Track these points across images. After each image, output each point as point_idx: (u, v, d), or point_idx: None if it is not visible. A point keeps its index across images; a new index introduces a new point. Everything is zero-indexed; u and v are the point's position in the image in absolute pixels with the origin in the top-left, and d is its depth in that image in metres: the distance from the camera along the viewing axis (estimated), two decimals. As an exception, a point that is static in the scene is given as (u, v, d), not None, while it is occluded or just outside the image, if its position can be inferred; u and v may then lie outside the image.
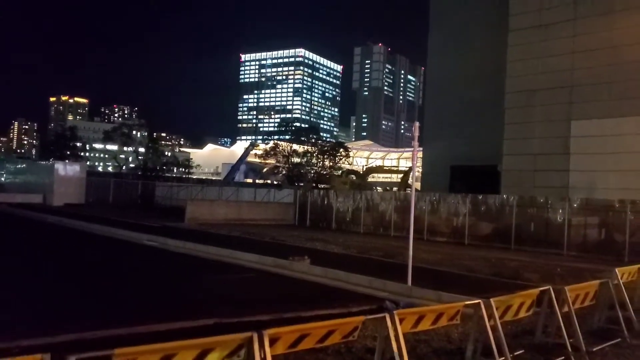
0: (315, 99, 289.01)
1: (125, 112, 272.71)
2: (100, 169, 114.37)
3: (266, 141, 75.20)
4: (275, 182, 65.35)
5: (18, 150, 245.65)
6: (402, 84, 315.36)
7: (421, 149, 71.50)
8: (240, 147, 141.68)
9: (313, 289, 10.72)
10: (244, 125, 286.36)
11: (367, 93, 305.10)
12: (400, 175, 68.82)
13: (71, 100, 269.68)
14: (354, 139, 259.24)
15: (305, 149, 62.32)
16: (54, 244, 16.70)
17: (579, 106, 25.75)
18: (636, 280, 8.79)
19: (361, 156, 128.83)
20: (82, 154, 62.79)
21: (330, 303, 9.04)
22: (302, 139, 66.09)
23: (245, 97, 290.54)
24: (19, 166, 46.68)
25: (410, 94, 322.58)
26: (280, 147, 61.49)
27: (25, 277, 10.57)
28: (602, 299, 7.12)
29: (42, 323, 6.92)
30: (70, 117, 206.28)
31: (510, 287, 10.74)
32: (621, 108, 24.33)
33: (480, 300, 5.28)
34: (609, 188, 23.54)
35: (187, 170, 62.47)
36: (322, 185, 60.70)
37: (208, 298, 9.43)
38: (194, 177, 69.28)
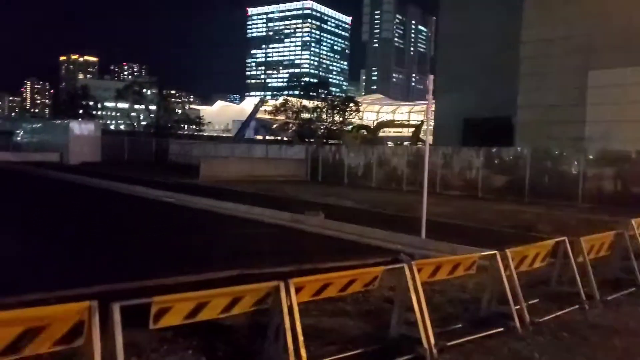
0: (324, 53, 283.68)
1: (135, 70, 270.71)
2: (112, 127, 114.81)
3: (276, 97, 74.46)
4: (285, 139, 65.33)
5: (31, 110, 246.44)
6: (413, 35, 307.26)
7: (434, 101, 70.67)
8: (249, 103, 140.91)
9: (329, 242, 10.96)
10: (253, 81, 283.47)
11: (377, 45, 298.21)
12: (412, 129, 68.39)
13: (81, 59, 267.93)
14: (364, 93, 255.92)
15: (315, 104, 61.80)
16: (80, 201, 17.09)
17: (596, 55, 25.10)
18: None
19: (371, 110, 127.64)
20: (94, 112, 62.87)
21: (347, 255, 9.26)
22: (312, 94, 65.46)
23: (253, 52, 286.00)
24: (35, 125, 47.05)
25: (422, 46, 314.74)
26: (290, 103, 61.04)
27: (60, 233, 10.92)
28: (618, 249, 7.23)
29: (74, 276, 7.23)
30: (81, 76, 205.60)
31: (525, 239, 10.83)
32: (638, 57, 23.69)
33: (496, 251, 5.41)
34: (626, 139, 23.25)
35: (198, 128, 62.51)
36: (333, 141, 60.67)
37: (230, 251, 9.72)
38: (205, 134, 69.44)
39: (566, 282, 6.82)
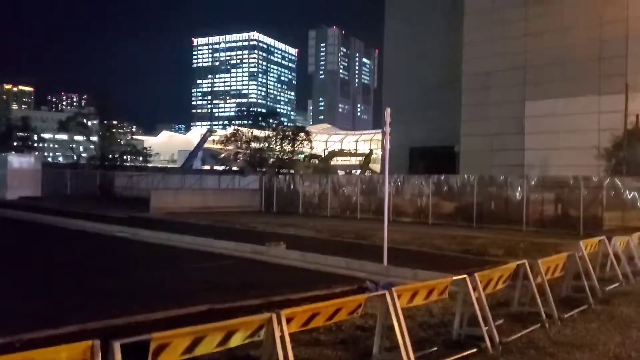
0: (271, 83, 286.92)
1: (74, 100, 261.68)
2: (50, 159, 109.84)
3: (226, 127, 74.22)
4: (235, 168, 64.75)
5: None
6: (357, 67, 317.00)
7: (380, 131, 72.41)
8: (196, 133, 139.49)
9: (293, 272, 11.02)
10: (199, 111, 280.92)
11: (323, 76, 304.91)
12: (361, 159, 69.85)
13: (15, 89, 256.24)
14: (311, 123, 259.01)
15: (266, 134, 61.99)
16: (23, 239, 16.21)
17: (533, 87, 26.97)
18: (597, 251, 9.57)
19: (320, 140, 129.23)
20: (32, 144, 60.20)
21: (314, 285, 9.35)
22: (262, 123, 65.61)
23: (199, 82, 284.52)
24: (-35, 159, 44.34)
25: (366, 77, 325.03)
26: (240, 133, 60.91)
27: (10, 276, 10.36)
28: (570, 269, 7.78)
29: (42, 317, 6.93)
30: (15, 107, 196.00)
31: (479, 263, 11.40)
32: (571, 88, 25.67)
33: (466, 275, 5.73)
34: (562, 165, 24.91)
35: (145, 159, 60.98)
36: (284, 170, 60.84)
37: (195, 285, 9.58)
38: (150, 165, 67.89)
39: (526, 302, 7.25)
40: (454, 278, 5.65)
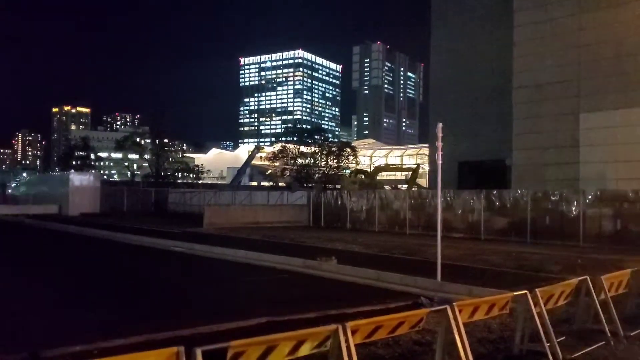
0: (316, 100, 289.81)
1: (128, 119, 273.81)
2: (105, 177, 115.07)
3: (273, 143, 75.73)
4: (282, 184, 65.77)
5: (22, 162, 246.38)
6: (402, 82, 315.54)
7: (426, 145, 71.71)
8: (243, 150, 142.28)
9: (345, 287, 11.11)
10: (246, 128, 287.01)
11: (367, 92, 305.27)
12: (407, 174, 69.03)
13: (74, 110, 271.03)
14: (355, 138, 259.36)
15: (312, 150, 62.81)
16: (86, 254, 17.13)
17: (587, 99, 26.12)
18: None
19: (364, 155, 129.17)
20: (92, 163, 63.52)
21: (367, 300, 9.41)
22: (307, 140, 66.63)
23: (246, 100, 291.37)
24: (32, 177, 47.27)
25: (411, 91, 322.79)
26: (287, 149, 62.04)
27: (80, 287, 11.02)
28: (634, 286, 7.52)
29: (113, 327, 7.36)
30: (73, 127, 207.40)
31: (535, 280, 11.12)
32: (628, 99, 24.69)
33: (526, 291, 5.70)
34: (620, 178, 23.89)
35: (196, 176, 63.08)
36: (330, 185, 61.24)
37: (251, 299, 9.86)
38: (201, 182, 70.00)
39: (588, 319, 7.07)
40: (515, 293, 5.63)
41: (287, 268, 13.24)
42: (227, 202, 39.14)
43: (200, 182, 67.25)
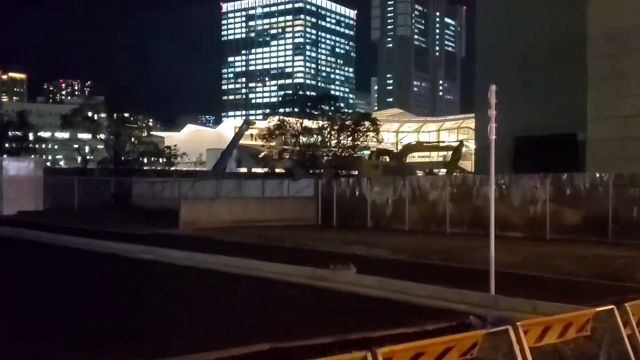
0: (323, 58, 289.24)
1: (76, 88, 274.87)
2: (49, 163, 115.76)
3: (267, 117, 75.61)
4: (280, 170, 65.86)
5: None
6: (437, 32, 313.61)
7: (471, 115, 71.38)
8: (228, 126, 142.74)
9: (368, 303, 11.21)
10: (231, 97, 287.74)
11: (391, 45, 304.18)
12: (445, 154, 69.06)
13: (4, 77, 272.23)
14: (376, 108, 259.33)
15: (320, 124, 62.74)
16: (23, 266, 17.18)
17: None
18: None
19: (389, 130, 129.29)
20: (30, 145, 63.72)
21: (397, 320, 9.50)
22: (313, 111, 66.56)
23: (230, 59, 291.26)
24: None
25: (450, 44, 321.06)
26: (286, 124, 62.04)
27: (10, 316, 11.15)
28: None
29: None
30: (4, 98, 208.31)
31: (621, 291, 11.17)
32: None
33: (614, 306, 5.74)
34: None
35: (168, 161, 63.30)
36: (344, 171, 61.26)
37: (248, 319, 10.00)
38: (174, 169, 70.28)
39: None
40: (598, 309, 5.68)
41: (292, 280, 13.35)
42: (210, 194, 39.21)
43: (173, 168, 67.51)
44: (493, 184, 11.45)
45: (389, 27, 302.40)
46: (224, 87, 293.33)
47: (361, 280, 12.72)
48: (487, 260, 10.89)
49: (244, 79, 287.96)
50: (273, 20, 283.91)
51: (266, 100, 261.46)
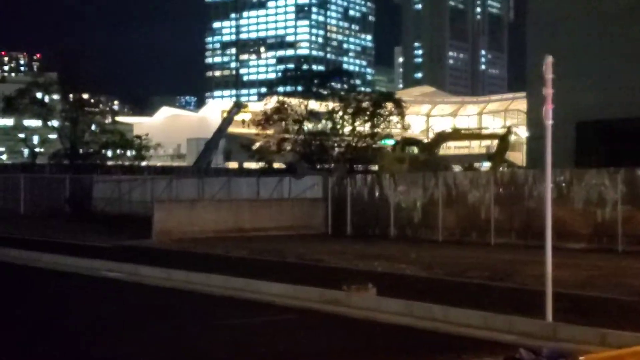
0: (334, 22, 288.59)
1: (21, 62, 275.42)
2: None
3: (264, 98, 75.38)
4: (279, 165, 65.81)
5: None
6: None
7: (522, 95, 71.18)
8: (214, 110, 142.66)
9: (392, 334, 11.21)
10: (217, 73, 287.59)
11: (420, 6, 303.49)
12: (490, 143, 68.85)
13: None
14: (401, 86, 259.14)
15: (330, 107, 62.64)
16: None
17: None
18: None
19: (417, 113, 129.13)
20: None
21: (432, 355, 9.55)
22: (322, 90, 66.46)
23: (215, 26, 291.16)
24: None
25: (494, 4, 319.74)
26: (287, 107, 61.97)
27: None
28: None
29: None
30: None
31: None
32: None
33: None
34: None
35: (138, 154, 63.28)
36: (360, 166, 61.17)
37: (239, 355, 10.00)
38: (146, 164, 70.29)
39: None
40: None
41: (294, 303, 13.39)
42: (191, 196, 39.37)
43: (145, 163, 67.54)
44: (550, 181, 11.40)
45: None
46: (209, 60, 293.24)
47: (383, 305, 12.75)
48: (543, 279, 10.86)
49: (233, 50, 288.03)
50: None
51: (262, 77, 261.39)
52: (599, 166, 24.87)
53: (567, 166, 28.19)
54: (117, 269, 17.91)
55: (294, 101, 63.55)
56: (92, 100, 65.81)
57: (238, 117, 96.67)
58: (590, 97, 35.26)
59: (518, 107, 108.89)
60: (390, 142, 63.89)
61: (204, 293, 15.00)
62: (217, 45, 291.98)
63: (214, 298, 14.52)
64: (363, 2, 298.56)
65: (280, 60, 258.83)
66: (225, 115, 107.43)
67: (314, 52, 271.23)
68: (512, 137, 65.59)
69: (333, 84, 68.52)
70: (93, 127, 62.59)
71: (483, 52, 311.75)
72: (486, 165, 65.14)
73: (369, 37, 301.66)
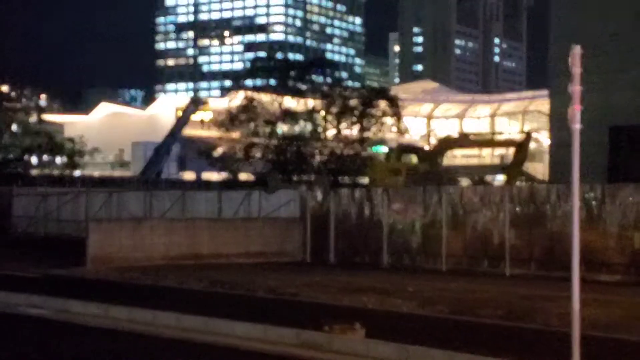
0: (315, 2, 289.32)
1: None
2: None
3: (228, 93, 75.23)
4: (246, 177, 65.76)
5: None
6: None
7: (544, 92, 71.54)
8: (166, 106, 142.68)
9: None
10: (170, 62, 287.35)
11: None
12: (504, 152, 68.99)
13: None
14: (397, 80, 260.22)
15: (309, 105, 62.73)
16: None
17: None
18: None
19: (417, 114, 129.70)
20: None
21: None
22: (298, 84, 66.56)
23: (168, 3, 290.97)
24: None
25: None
26: (257, 104, 62.05)
27: None
28: None
29: None
30: None
31: None
32: None
33: None
34: None
35: (71, 161, 63.13)
36: (346, 179, 61.17)
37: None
38: (80, 174, 70.01)
39: None
40: None
41: (264, 348, 13.36)
42: (136, 213, 39.28)
43: (78, 172, 67.22)
44: (577, 198, 11.44)
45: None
46: (160, 46, 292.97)
47: (372, 349, 12.74)
48: (568, 319, 10.89)
49: (190, 34, 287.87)
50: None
51: (226, 66, 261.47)
52: (638, 180, 24.98)
53: (599, 180, 28.37)
54: (41, 304, 17.72)
55: (265, 97, 63.60)
56: (12, 94, 65.64)
57: (196, 117, 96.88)
58: (627, 96, 35.63)
59: (539, 107, 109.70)
60: (383, 150, 64.11)
61: (151, 335, 14.83)
62: (171, 28, 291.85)
63: (163, 341, 14.39)
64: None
65: (249, 47, 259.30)
66: (179, 114, 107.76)
67: (291, 38, 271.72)
68: (532, 145, 65.95)
69: (314, 77, 68.63)
70: (14, 128, 62.35)
71: (497, 40, 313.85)
72: (500, 178, 65.44)
73: (357, 21, 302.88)
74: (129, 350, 14.13)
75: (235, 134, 64.28)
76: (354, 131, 62.82)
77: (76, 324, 16.21)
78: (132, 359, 13.62)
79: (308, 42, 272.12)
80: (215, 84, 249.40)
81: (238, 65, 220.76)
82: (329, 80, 69.19)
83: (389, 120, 63.28)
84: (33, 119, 67.89)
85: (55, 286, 21.26)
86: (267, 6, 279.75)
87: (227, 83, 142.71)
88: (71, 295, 18.39)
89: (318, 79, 67.75)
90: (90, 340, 14.97)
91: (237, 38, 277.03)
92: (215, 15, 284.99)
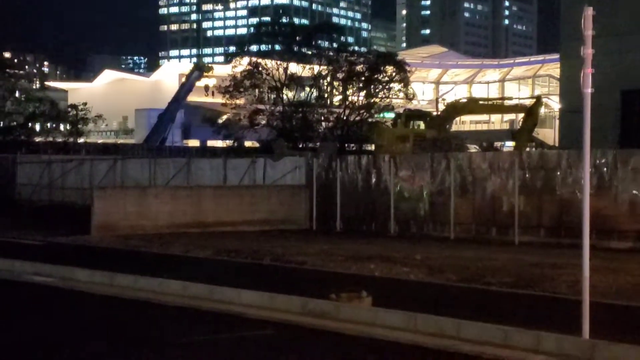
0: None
1: None
2: None
3: (233, 59, 74.78)
4: (251, 144, 65.74)
5: None
6: None
7: (555, 57, 70.77)
8: (170, 73, 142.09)
9: (392, 354, 11.22)
10: (174, 27, 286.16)
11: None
12: (514, 117, 68.69)
13: None
14: (405, 45, 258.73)
15: (316, 70, 62.54)
16: None
17: None
18: None
19: (424, 79, 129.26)
20: None
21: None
22: (304, 49, 66.36)
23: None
24: None
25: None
26: (262, 70, 61.86)
27: None
28: None
29: None
30: None
31: None
32: None
33: None
34: None
35: (74, 128, 63.07)
36: (353, 146, 61.14)
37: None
38: (83, 141, 69.94)
39: None
40: None
41: (271, 316, 13.38)
42: (141, 181, 39.35)
43: (82, 140, 67.10)
44: (588, 164, 11.43)
45: None
46: (162, 11, 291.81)
47: (379, 317, 12.76)
48: (578, 286, 10.89)
49: (193, 0, 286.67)
50: None
51: (230, 32, 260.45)
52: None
53: (611, 146, 28.27)
54: (47, 273, 17.80)
55: (270, 63, 63.41)
56: (14, 61, 65.45)
57: (200, 83, 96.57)
58: (636, 61, 35.42)
59: (549, 72, 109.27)
60: (390, 116, 63.94)
61: (157, 303, 14.88)
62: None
63: (169, 309, 14.44)
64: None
65: (254, 11, 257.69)
66: (183, 80, 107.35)
67: (296, 2, 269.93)
68: (542, 110, 65.68)
69: (319, 42, 68.39)
70: (16, 94, 62.21)
71: (507, 3, 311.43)
72: (509, 144, 65.21)
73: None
74: (133, 318, 14.19)
75: (240, 101, 64.20)
76: (360, 97, 62.69)
77: (80, 291, 16.28)
78: (137, 327, 13.65)
79: (314, 6, 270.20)
80: (219, 49, 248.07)
81: (242, 31, 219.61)
82: (335, 45, 68.76)
83: (396, 86, 63.12)
84: (36, 85, 67.89)
85: (60, 254, 21.35)
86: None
87: (231, 49, 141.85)
88: (76, 263, 18.50)
89: (324, 44, 67.41)
90: (95, 308, 15.06)
91: (241, 2, 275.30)
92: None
